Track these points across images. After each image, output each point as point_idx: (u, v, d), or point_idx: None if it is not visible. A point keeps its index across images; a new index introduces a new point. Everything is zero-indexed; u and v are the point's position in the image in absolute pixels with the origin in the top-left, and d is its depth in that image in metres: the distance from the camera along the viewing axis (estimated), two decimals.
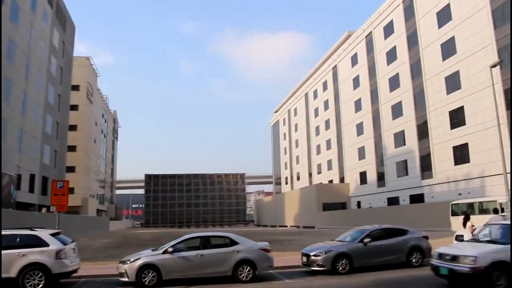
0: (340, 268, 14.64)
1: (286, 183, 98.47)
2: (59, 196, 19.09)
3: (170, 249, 13.52)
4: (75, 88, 72.36)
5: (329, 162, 74.66)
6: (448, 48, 43.89)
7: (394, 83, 54.02)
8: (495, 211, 18.20)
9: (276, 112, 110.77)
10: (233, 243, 14.05)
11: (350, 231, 17.21)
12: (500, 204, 27.31)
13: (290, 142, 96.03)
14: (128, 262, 13.34)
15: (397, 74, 53.19)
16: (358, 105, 63.85)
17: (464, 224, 17.01)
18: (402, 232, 16.35)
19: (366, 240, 15.36)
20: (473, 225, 16.63)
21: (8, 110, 40.20)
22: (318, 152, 79.61)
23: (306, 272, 15.30)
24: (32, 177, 46.27)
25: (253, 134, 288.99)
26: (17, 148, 42.69)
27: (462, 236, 17.80)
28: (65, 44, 58.73)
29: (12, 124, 41.39)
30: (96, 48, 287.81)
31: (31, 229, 13.65)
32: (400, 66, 52.65)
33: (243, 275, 13.53)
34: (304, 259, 15.41)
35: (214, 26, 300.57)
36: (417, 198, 48.83)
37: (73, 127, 70.38)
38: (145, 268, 13.04)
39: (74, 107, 70.87)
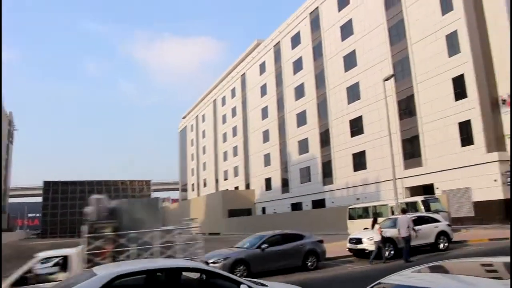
0: (238, 275, 14.63)
1: (193, 189, 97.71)
2: None
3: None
4: None
5: (236, 169, 75.30)
6: (350, 61, 46.41)
7: (299, 92, 55.95)
8: (403, 211, 19.37)
9: (184, 118, 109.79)
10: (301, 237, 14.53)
11: (249, 237, 17.47)
12: (391, 207, 29.01)
13: (198, 148, 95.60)
14: None
15: (303, 84, 55.17)
16: (264, 113, 65.20)
17: (373, 226, 17.95)
18: (299, 237, 16.87)
19: (264, 246, 15.64)
20: (380, 227, 17.57)
21: None
22: (225, 158, 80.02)
23: None
24: None
25: (162, 140, 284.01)
26: None
27: (356, 239, 18.72)
28: None
29: None
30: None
31: None
32: (305, 76, 54.67)
33: None
34: None
35: (125, 29, 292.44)
36: (319, 203, 50.71)
37: None
38: None
39: None
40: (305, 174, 54.53)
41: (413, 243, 17.76)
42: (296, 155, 56.50)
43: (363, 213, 33.15)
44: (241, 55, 75.93)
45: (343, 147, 47.07)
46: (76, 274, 9.03)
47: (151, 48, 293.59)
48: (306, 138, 54.15)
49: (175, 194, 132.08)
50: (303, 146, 54.86)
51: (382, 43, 41.92)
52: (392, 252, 17.53)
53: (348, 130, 46.40)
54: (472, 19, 33.57)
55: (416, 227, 18.32)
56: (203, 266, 7.16)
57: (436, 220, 20.15)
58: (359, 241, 18.43)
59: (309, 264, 16.11)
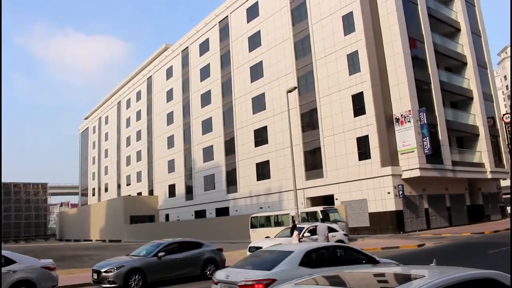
0: (133, 284, 14.19)
1: (94, 194, 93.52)
2: None
3: None
4: None
5: (139, 174, 73.27)
6: (257, 71, 47.07)
7: (206, 99, 55.73)
8: (323, 220, 19.88)
9: (86, 119, 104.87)
10: (8, 262, 12.28)
11: (146, 245, 16.93)
12: (292, 217, 29.78)
13: (100, 151, 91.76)
14: None
15: (209, 91, 55.02)
16: (170, 118, 64.14)
17: (292, 233, 18.28)
18: (197, 245, 16.62)
19: (160, 254, 15.16)
20: (298, 234, 17.98)
21: None
22: (128, 163, 77.58)
23: None
24: None
25: (60, 141, 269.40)
26: None
27: (255, 247, 18.88)
28: None
29: None
30: None
31: None
32: (212, 83, 54.57)
33: None
34: (95, 276, 14.58)
35: (22, 18, 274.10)
36: (222, 211, 50.75)
37: None
38: None
39: None
40: (210, 182, 54.37)
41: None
42: (200, 162, 56.18)
43: (265, 221, 33.73)
44: (149, 57, 74.14)
45: (247, 156, 47.57)
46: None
47: (51, 43, 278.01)
48: (211, 146, 54.04)
49: (75, 199, 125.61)
50: (208, 153, 54.69)
51: (288, 56, 43.02)
52: None
53: (253, 140, 46.97)
54: (371, 42, 35.56)
55: (315, 236, 19.03)
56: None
57: (333, 230, 20.95)
58: (259, 249, 18.59)
59: (208, 273, 15.83)
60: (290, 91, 27.28)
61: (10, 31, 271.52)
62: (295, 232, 18.15)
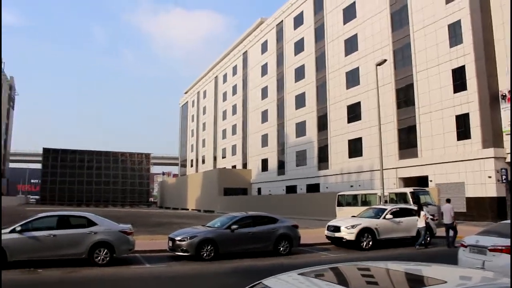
0: (205, 254, 14.36)
1: (192, 165, 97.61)
2: None
3: (18, 228, 12.45)
4: None
5: (234, 147, 74.94)
6: (351, 45, 45.39)
7: (299, 73, 55.05)
8: (448, 201, 18.92)
9: (186, 93, 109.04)
10: (90, 223, 13.21)
11: (221, 217, 17.02)
12: (379, 197, 28.63)
13: (198, 124, 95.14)
14: None
15: (303, 65, 54.23)
16: (264, 92, 64.42)
17: (418, 214, 17.81)
18: (272, 220, 16.38)
19: (234, 226, 15.16)
20: (425, 214, 17.59)
21: None
22: (224, 136, 79.61)
23: (172, 257, 14.88)
24: None
25: (163, 113, 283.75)
26: None
27: (334, 226, 18.26)
28: None
29: None
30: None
31: None
32: (306, 57, 53.69)
33: (99, 258, 12.81)
34: (170, 243, 14.99)
35: None
36: (313, 188, 50.36)
37: None
38: None
39: None
40: (301, 158, 54.06)
41: (395, 235, 17.77)
42: (293, 137, 55.94)
43: (352, 200, 32.86)
44: (245, 32, 74.71)
45: (340, 132, 46.42)
46: None
47: (155, 20, 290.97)
48: (304, 121, 53.48)
49: (175, 169, 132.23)
50: (301, 129, 54.23)
51: (384, 28, 40.84)
52: (370, 242, 17.23)
53: (346, 116, 45.67)
54: (476, 10, 32.42)
55: (397, 219, 18.05)
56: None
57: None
58: (337, 229, 17.86)
59: (281, 249, 15.64)
60: (379, 64, 25.86)
61: (118, 9, 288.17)
62: (422, 213, 17.54)
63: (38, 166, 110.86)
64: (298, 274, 3.67)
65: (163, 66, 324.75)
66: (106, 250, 12.87)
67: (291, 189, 55.32)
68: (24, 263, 12.21)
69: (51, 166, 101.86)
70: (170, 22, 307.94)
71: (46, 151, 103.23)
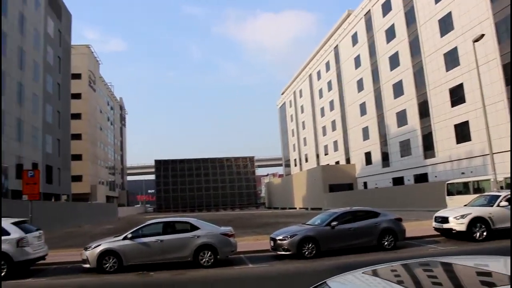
0: (307, 253, 14.42)
1: (295, 165, 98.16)
2: (30, 185, 19.11)
3: (130, 235, 13.57)
4: (76, 76, 72.61)
5: (335, 143, 74.11)
6: (446, 24, 42.77)
7: (394, 61, 53.01)
8: None
9: (282, 94, 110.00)
10: (193, 228, 13.94)
11: (320, 214, 16.90)
12: (492, 183, 26.64)
13: (297, 124, 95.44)
14: (89, 248, 13.41)
15: (397, 52, 52.13)
16: (360, 85, 62.95)
17: None
18: (373, 214, 15.98)
19: (334, 223, 15.06)
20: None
21: (3, 100, 40.37)
22: (324, 133, 79.02)
23: (274, 256, 15.07)
24: (35, 166, 46.53)
25: (263, 116, 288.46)
26: (15, 138, 42.99)
27: (441, 217, 17.33)
28: (62, 33, 58.62)
29: (9, 114, 41.61)
30: (108, 34, 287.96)
31: None
32: (399, 44, 51.56)
33: (204, 260, 13.47)
34: (272, 243, 15.20)
35: (216, 9, 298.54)
36: (421, 178, 48.23)
37: (77, 116, 70.85)
38: (105, 254, 13.13)
39: (76, 96, 71.24)
40: (405, 147, 51.97)
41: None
42: (394, 127, 53.97)
43: (463, 188, 31.08)
44: (333, 27, 73.64)
45: (444, 117, 43.91)
46: None
47: (244, 27, 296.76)
48: (404, 110, 51.37)
49: (279, 170, 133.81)
50: (402, 118, 52.15)
51: (481, 1, 37.93)
52: (484, 233, 16.02)
53: (448, 99, 43.09)
54: None
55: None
56: None
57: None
58: (445, 220, 16.94)
59: (386, 243, 15.24)
60: (476, 41, 24.21)
61: (207, 24, 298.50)
62: None
63: (152, 177, 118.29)
64: (363, 273, 3.54)
65: (258, 71, 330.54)
66: (210, 253, 13.48)
67: (398, 181, 53.39)
68: (137, 267, 13.23)
69: (163, 176, 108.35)
70: (259, 27, 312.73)
71: (158, 162, 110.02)
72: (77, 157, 71.14)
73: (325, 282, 3.40)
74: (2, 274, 12.68)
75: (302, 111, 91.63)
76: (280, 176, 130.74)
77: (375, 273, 3.51)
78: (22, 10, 45.24)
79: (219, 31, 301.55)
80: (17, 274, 12.91)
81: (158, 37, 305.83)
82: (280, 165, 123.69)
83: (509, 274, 2.81)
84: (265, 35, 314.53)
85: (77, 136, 71.50)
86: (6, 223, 13.39)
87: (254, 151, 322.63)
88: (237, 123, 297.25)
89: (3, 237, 12.84)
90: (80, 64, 74.41)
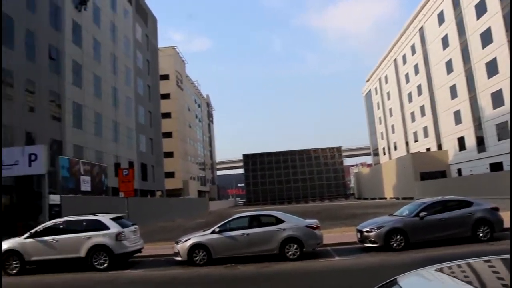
0: (395, 244, 14.04)
1: (384, 153, 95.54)
2: (125, 183, 20.41)
3: (218, 229, 14.05)
4: (165, 77, 76.06)
5: (425, 129, 71.11)
6: None
7: (486, 38, 49.62)
8: None
9: (367, 81, 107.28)
10: (279, 221, 14.09)
11: (408, 204, 16.38)
12: None
13: (384, 111, 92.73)
14: (180, 242, 14.09)
15: (489, 28, 48.73)
16: (449, 66, 59.71)
17: None
18: (466, 204, 15.12)
19: (422, 214, 14.50)
20: None
21: (100, 104, 43.46)
22: (413, 119, 76.08)
23: (361, 248, 14.86)
24: (131, 164, 49.52)
25: (348, 105, 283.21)
26: (112, 139, 46.04)
27: None
28: (149, 38, 61.72)
29: (106, 117, 44.68)
30: (195, 34, 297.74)
31: (94, 214, 14.86)
32: (491, 18, 48.14)
33: (290, 252, 13.58)
34: (359, 235, 14.99)
35: (296, 0, 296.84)
36: None
37: (166, 115, 74.24)
38: (195, 248, 13.72)
39: (165, 96, 74.68)
40: (503, 130, 48.60)
41: None
42: (489, 109, 50.67)
43: None
44: (417, 7, 70.43)
45: None
46: None
47: (324, 15, 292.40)
48: (500, 89, 48.00)
49: (367, 159, 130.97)
50: (497, 98, 48.78)
51: None
52: None
53: None
54: None
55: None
56: None
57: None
58: None
59: (481, 234, 14.37)
60: None
61: (287, 15, 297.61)
62: None
63: (241, 171, 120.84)
64: (434, 270, 3.23)
65: (341, 59, 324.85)
66: (295, 245, 13.58)
67: (496, 167, 50.06)
68: (225, 260, 13.68)
69: (252, 170, 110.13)
70: (340, 14, 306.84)
71: (246, 157, 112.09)
72: (169, 155, 74.64)
73: (395, 279, 3.18)
74: (15, 271, 13.83)
75: (389, 98, 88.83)
76: (369, 165, 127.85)
77: (448, 270, 3.23)
78: (113, 20, 48.28)
79: (299, 22, 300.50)
80: (117, 265, 13.89)
81: (240, 33, 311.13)
82: (368, 154, 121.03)
83: None
84: (346, 22, 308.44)
85: (168, 134, 74.95)
86: (106, 219, 14.46)
87: (341, 141, 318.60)
88: (323, 114, 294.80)
89: (104, 231, 13.92)
90: (167, 65, 77.80)
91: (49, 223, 14.95)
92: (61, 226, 14.48)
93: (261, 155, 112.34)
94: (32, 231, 14.56)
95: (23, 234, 14.73)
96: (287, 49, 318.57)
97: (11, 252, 14.02)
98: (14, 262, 13.96)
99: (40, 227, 14.73)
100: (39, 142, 29.89)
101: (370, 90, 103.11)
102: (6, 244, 14.25)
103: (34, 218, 24.46)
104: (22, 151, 22.54)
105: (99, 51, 44.07)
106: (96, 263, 13.64)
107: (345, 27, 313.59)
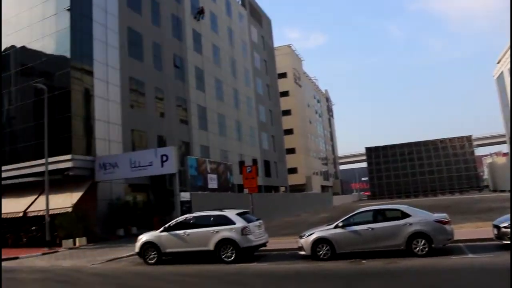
0: None
1: None
2: (249, 180, 21.40)
3: (341, 224, 13.89)
4: (282, 76, 77.61)
5: None
6: None
7: None
8: None
9: (498, 62, 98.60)
10: (404, 215, 13.47)
11: None
12: None
13: None
14: (304, 236, 14.31)
15: None
16: None
17: None
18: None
19: None
20: None
21: (223, 106, 46.03)
22: None
23: (499, 246, 13.33)
24: (254, 161, 51.42)
25: (477, 90, 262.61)
26: (235, 138, 48.37)
27: None
28: (264, 38, 63.53)
29: (229, 118, 47.15)
30: (310, 31, 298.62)
31: (221, 210, 15.80)
32: None
33: (418, 248, 12.89)
34: (495, 231, 13.43)
35: None
36: None
37: (286, 112, 75.75)
38: (319, 242, 13.76)
39: (284, 94, 76.16)
40: None
41: None
42: None
43: None
44: None
45: None
46: None
47: None
48: None
49: (502, 148, 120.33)
50: None
51: None
52: None
53: None
54: None
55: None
56: None
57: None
58: None
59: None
60: None
61: (405, 2, 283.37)
62: None
63: (364, 165, 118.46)
64: None
65: (467, 41, 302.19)
66: (423, 241, 12.88)
67: None
68: (349, 255, 13.49)
69: (375, 163, 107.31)
70: None
71: (368, 150, 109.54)
72: (291, 151, 75.99)
73: None
74: (153, 261, 15.06)
75: None
76: (505, 155, 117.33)
77: None
78: (230, 25, 50.71)
79: (417, 6, 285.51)
80: (243, 258, 14.56)
81: (355, 25, 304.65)
82: (503, 142, 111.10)
83: None
84: (472, 1, 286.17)
85: (289, 131, 76.39)
86: (232, 214, 15.27)
87: (471, 130, 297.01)
88: (449, 101, 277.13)
89: (230, 226, 14.73)
90: (284, 63, 79.22)
91: (180, 218, 16.26)
92: (191, 221, 15.64)
93: (384, 148, 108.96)
94: (166, 225, 15.98)
95: (158, 228, 16.29)
96: (406, 36, 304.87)
97: (149, 244, 15.62)
98: (153, 253, 15.51)
99: (172, 222, 16.10)
100: (169, 144, 32.58)
101: (502, 72, 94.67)
102: (145, 237, 15.91)
103: (168, 213, 26.74)
104: (155, 153, 24.85)
105: (218, 56, 46.61)
106: (223, 256, 14.46)
107: (472, 6, 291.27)
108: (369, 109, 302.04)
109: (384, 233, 13.30)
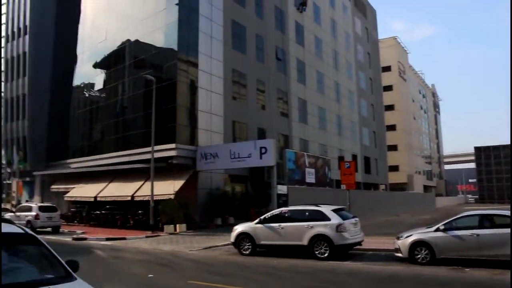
0: None
1: None
2: (347, 176, 20.84)
3: (442, 227, 12.93)
4: (386, 69, 74.84)
5: None
6: None
7: None
8: None
9: None
10: None
11: None
12: None
13: None
14: (401, 238, 13.59)
15: None
16: None
17: None
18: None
19: None
20: None
21: (324, 99, 45.45)
22: None
23: None
24: (354, 157, 50.26)
25: None
26: (335, 133, 47.57)
27: None
28: (368, 30, 61.55)
29: (329, 112, 46.50)
30: (416, 22, 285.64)
31: (316, 205, 15.51)
32: None
33: None
34: None
35: None
36: None
37: (389, 107, 73.08)
38: (417, 245, 12.95)
39: (388, 88, 73.51)
40: None
41: None
42: None
43: None
44: None
45: None
46: None
47: None
48: None
49: None
50: None
51: None
52: None
53: None
54: None
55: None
56: None
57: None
58: None
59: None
60: None
61: None
62: None
63: (473, 165, 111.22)
64: None
65: None
66: None
67: None
68: (450, 261, 12.54)
69: (485, 164, 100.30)
70: None
71: (478, 149, 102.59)
72: (393, 148, 73.33)
73: None
74: (248, 252, 14.91)
75: None
76: None
77: None
78: (333, 16, 49.78)
79: None
80: (336, 256, 14.16)
81: (465, 13, 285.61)
82: None
83: None
84: None
85: (392, 127, 73.67)
86: (327, 210, 14.89)
87: None
88: None
89: (325, 222, 14.35)
90: (388, 56, 76.33)
91: (276, 211, 16.24)
92: (286, 215, 15.52)
93: (496, 148, 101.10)
94: (262, 217, 15.99)
95: (254, 220, 16.37)
96: None
97: (244, 234, 15.72)
98: (247, 244, 15.62)
99: (268, 214, 16.07)
100: (269, 136, 32.80)
101: None
102: (241, 228, 16.05)
103: (265, 205, 26.95)
104: (254, 145, 25.08)
105: (320, 48, 45.99)
106: (317, 252, 14.18)
107: None
108: (481, 105, 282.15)
109: (491, 240, 12.01)
